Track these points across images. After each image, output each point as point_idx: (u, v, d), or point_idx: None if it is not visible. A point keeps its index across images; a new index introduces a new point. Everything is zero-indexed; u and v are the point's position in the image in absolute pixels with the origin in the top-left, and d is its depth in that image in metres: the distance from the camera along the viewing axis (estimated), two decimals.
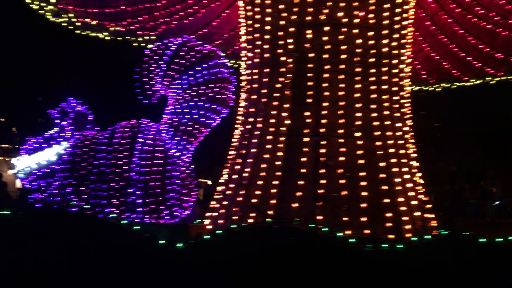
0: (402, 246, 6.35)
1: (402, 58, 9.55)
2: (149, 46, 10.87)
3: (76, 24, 11.52)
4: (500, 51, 10.81)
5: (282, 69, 9.25)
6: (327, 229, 6.53)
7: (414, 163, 9.45)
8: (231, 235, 6.25)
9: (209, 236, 6.41)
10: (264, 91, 9.39)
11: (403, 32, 9.55)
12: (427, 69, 12.16)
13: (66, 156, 9.43)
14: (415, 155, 9.60)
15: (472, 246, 6.23)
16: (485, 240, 6.37)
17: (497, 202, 24.88)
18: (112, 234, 6.02)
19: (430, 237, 6.94)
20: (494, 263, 5.97)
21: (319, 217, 8.15)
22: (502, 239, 6.46)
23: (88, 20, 11.46)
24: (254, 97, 9.54)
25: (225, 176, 9.46)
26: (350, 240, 6.38)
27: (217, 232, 6.38)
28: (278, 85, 9.22)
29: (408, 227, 8.49)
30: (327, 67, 9.02)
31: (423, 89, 13.32)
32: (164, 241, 6.00)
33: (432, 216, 9.37)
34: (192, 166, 10.18)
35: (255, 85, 9.60)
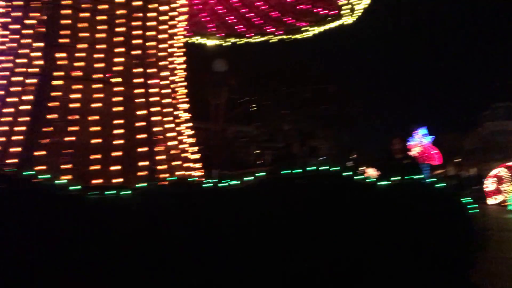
0: (128, 192, 6.24)
1: (173, 5, 9.33)
2: None
3: None
4: (276, 10, 11.30)
5: (36, 3, 8.35)
6: (49, 176, 6.11)
7: (182, 113, 9.46)
8: None
9: None
10: (15, 26, 8.39)
11: None
12: (214, 22, 12.23)
13: None
14: (185, 105, 9.62)
15: (195, 191, 6.39)
16: (211, 184, 6.59)
17: (323, 158, 27.47)
18: None
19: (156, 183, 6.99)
20: (217, 207, 6.21)
21: (66, 166, 7.71)
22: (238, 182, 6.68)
23: None
24: (3, 32, 8.48)
25: None
26: (72, 187, 6.06)
27: None
28: (29, 21, 8.30)
29: (165, 176, 8.52)
30: (86, 5, 8.38)
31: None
32: None
33: (198, 165, 9.59)
34: None
35: (5, 19, 8.52)
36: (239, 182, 6.57)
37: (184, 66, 9.74)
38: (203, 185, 6.54)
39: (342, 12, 10.68)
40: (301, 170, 6.71)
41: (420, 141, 23.13)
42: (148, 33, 8.87)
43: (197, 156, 9.60)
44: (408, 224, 6.12)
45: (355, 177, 6.73)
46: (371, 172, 21.18)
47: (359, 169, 23.67)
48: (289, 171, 6.77)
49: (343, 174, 6.74)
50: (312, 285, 5.35)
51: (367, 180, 6.83)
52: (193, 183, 6.54)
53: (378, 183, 6.77)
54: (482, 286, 6.61)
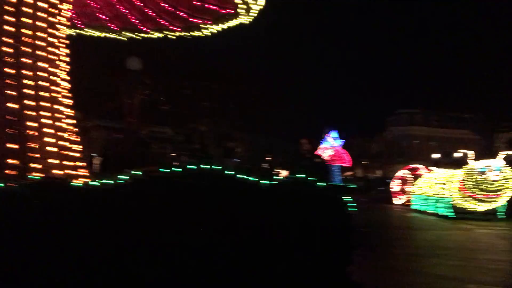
0: None
1: None
2: None
3: None
4: (171, 5, 10.90)
5: None
6: None
7: (63, 108, 8.81)
8: None
9: None
10: None
11: None
12: (107, 14, 11.57)
13: None
14: (68, 101, 8.97)
15: (61, 190, 5.91)
16: (80, 184, 6.16)
17: (237, 160, 27.36)
18: None
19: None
20: (82, 208, 5.77)
21: None
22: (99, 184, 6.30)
23: None
24: None
25: None
26: None
27: None
28: None
29: (39, 175, 7.86)
30: None
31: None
32: None
33: (82, 164, 8.99)
34: None
35: None
36: (112, 181, 6.18)
37: (67, 59, 9.09)
38: (70, 185, 6.07)
39: (238, 11, 10.56)
40: (180, 169, 6.48)
41: (332, 144, 23.79)
42: (23, 20, 8.15)
43: (79, 155, 8.99)
44: (285, 222, 6.08)
45: (236, 176, 6.60)
46: (285, 173, 21.43)
47: (274, 170, 23.89)
48: (168, 170, 6.51)
49: (225, 173, 6.59)
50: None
51: (249, 179, 6.73)
52: (58, 183, 6.01)
53: (260, 182, 6.70)
54: (366, 282, 6.72)
